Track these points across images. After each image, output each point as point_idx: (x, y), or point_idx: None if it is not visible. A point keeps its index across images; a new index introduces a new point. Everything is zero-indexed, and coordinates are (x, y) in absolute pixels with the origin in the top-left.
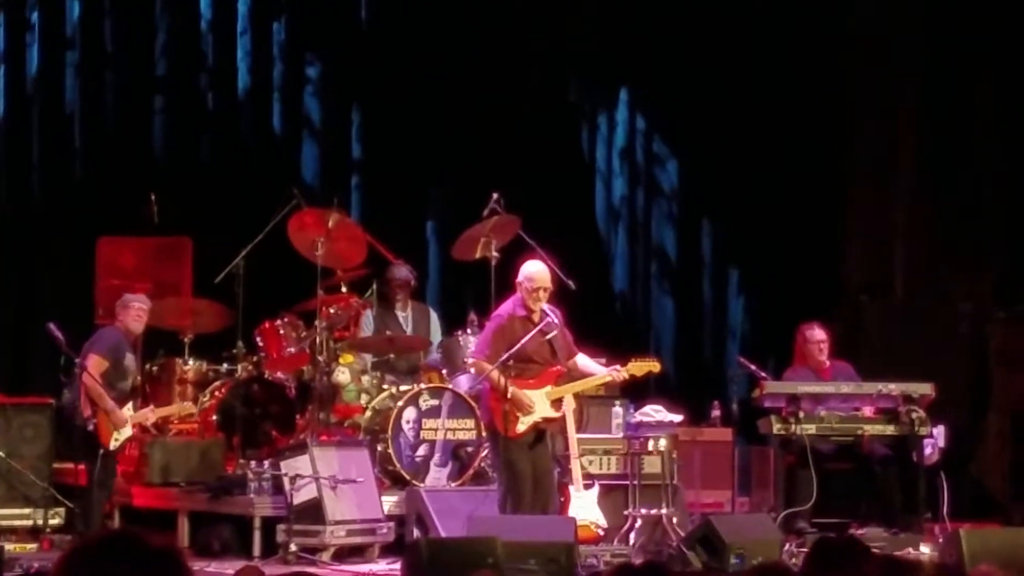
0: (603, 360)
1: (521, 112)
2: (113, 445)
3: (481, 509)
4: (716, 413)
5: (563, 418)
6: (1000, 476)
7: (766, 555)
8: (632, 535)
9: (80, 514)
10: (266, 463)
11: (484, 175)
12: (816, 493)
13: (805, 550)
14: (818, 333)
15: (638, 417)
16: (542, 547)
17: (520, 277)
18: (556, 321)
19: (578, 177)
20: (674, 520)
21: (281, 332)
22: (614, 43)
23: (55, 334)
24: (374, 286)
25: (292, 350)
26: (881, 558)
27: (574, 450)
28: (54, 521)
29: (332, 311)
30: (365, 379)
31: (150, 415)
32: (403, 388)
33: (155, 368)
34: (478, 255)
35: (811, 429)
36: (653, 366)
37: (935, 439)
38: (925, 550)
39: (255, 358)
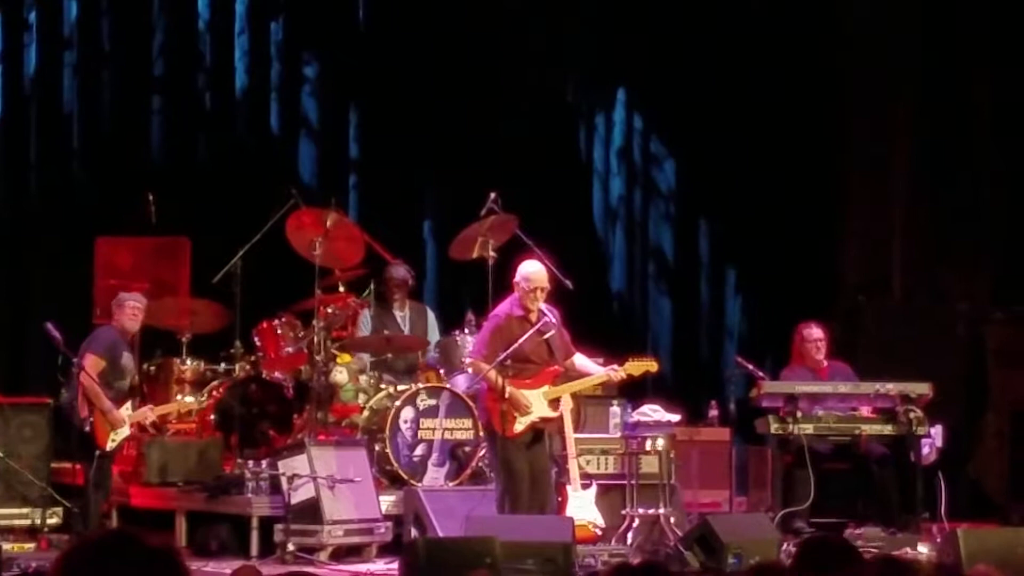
0: (601, 360)
1: (518, 112)
2: (110, 445)
3: (479, 509)
4: (714, 413)
5: (561, 418)
6: (998, 476)
7: (764, 555)
8: (630, 535)
9: (78, 514)
10: (264, 463)
11: (481, 175)
12: (814, 493)
13: None
14: (816, 332)
15: (636, 417)
16: (540, 547)
17: (517, 277)
18: (554, 321)
19: (575, 177)
20: (672, 520)
21: (279, 332)
22: (611, 43)
23: (53, 334)
24: (372, 286)
25: (290, 350)
26: (879, 558)
27: (572, 450)
28: (52, 521)
29: (330, 311)
30: (363, 379)
31: (149, 414)
32: (401, 388)
33: (153, 368)
34: (475, 255)
35: (809, 429)
36: (651, 366)
37: (933, 439)
38: (923, 550)
39: (253, 358)
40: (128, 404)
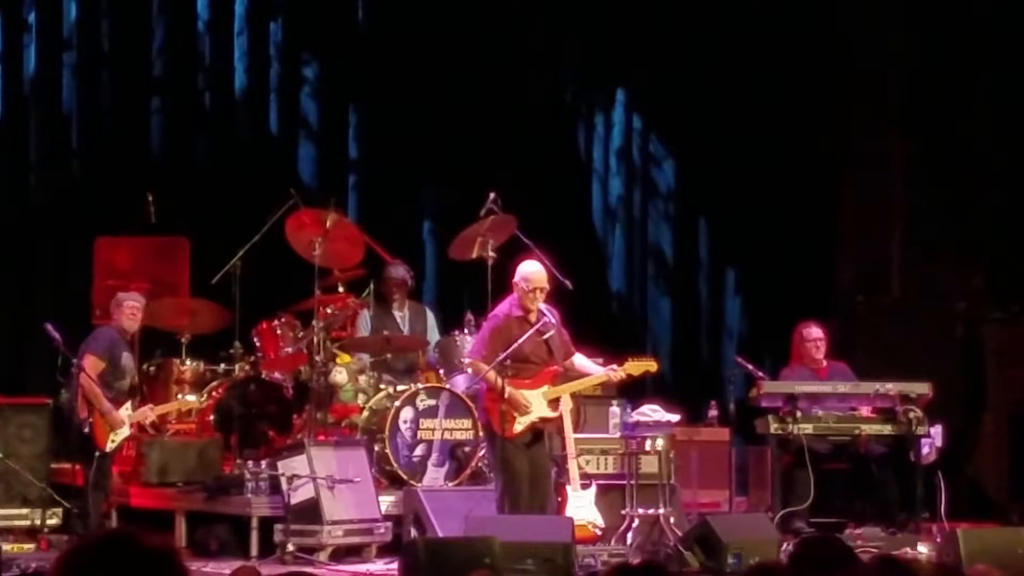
0: (600, 360)
1: (518, 112)
2: (110, 446)
3: (478, 509)
4: (713, 413)
5: (560, 418)
6: (997, 476)
7: (763, 555)
8: (629, 535)
9: (78, 514)
10: (263, 463)
11: (481, 175)
12: (813, 493)
13: None
14: (815, 331)
15: (635, 417)
16: (539, 547)
17: (517, 277)
18: (553, 321)
19: (575, 177)
20: (671, 520)
21: (278, 332)
22: (611, 43)
23: (52, 334)
24: (371, 286)
25: (289, 350)
26: (878, 558)
27: (571, 450)
28: (51, 521)
29: (329, 311)
30: (362, 379)
31: (149, 413)
32: (400, 388)
33: (152, 368)
34: (475, 255)
35: (808, 429)
36: (650, 366)
37: (932, 439)
38: (923, 550)
39: (252, 358)
40: (128, 404)
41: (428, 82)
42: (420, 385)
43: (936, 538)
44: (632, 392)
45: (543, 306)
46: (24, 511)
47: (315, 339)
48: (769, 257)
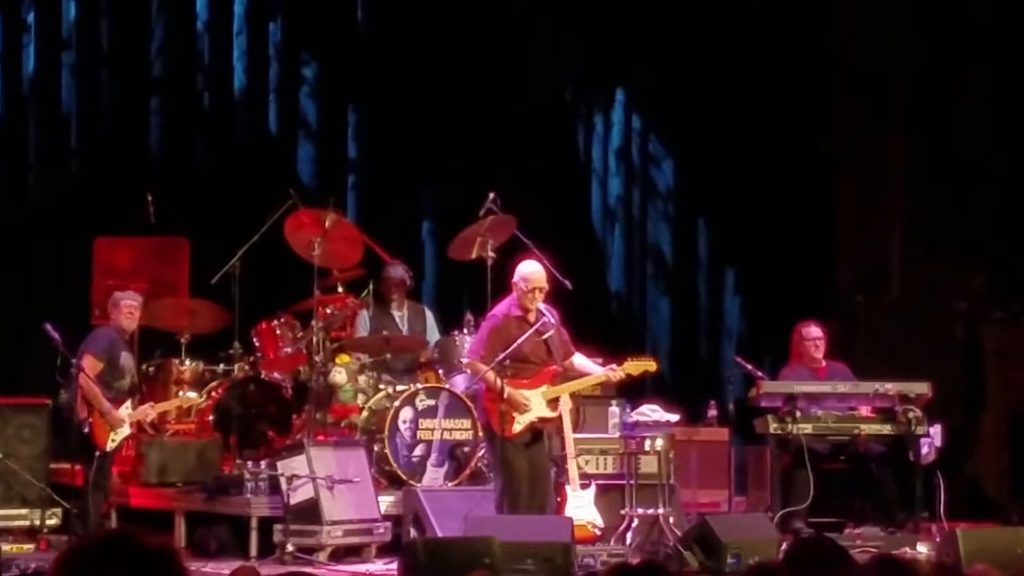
0: (600, 360)
1: (518, 112)
2: (111, 445)
3: (478, 509)
4: (713, 413)
5: (559, 418)
6: (997, 476)
7: (763, 555)
8: (629, 535)
9: (77, 515)
10: (263, 463)
11: (480, 175)
12: (813, 492)
13: None
14: (814, 330)
15: (635, 417)
16: (539, 547)
17: (516, 277)
18: (552, 321)
19: (574, 177)
20: (671, 520)
21: (278, 332)
22: (611, 43)
23: (52, 334)
24: (370, 286)
25: (289, 350)
26: (878, 557)
27: (571, 450)
28: (51, 521)
29: (328, 311)
30: (362, 379)
31: (150, 411)
32: (400, 388)
33: (152, 368)
34: (474, 255)
35: (808, 428)
36: (649, 365)
37: (932, 438)
38: (922, 549)
39: (252, 358)
40: (128, 403)
41: (428, 82)
42: (419, 385)
43: (935, 538)
44: (631, 392)
45: (542, 306)
46: (24, 511)
47: (314, 339)
48: (769, 257)
